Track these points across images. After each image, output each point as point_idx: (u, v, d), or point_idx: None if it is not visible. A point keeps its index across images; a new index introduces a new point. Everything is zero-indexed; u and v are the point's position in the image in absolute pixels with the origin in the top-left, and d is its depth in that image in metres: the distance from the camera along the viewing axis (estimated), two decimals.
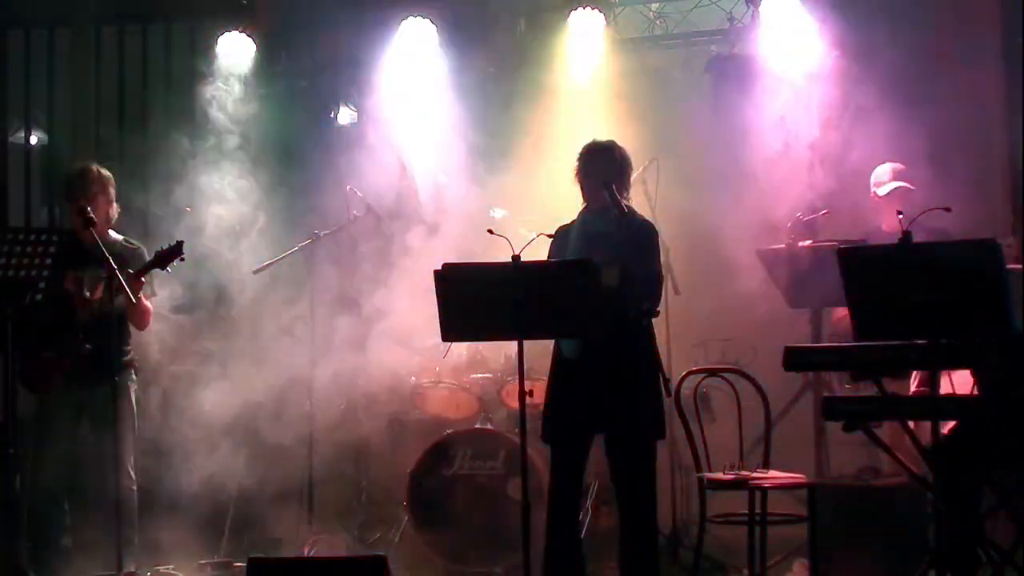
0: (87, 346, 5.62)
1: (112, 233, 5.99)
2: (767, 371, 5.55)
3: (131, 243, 6.01)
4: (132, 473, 5.90)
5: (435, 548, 6.17)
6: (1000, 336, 4.04)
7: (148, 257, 5.88)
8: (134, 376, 5.99)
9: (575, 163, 5.28)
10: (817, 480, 5.90)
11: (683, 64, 7.61)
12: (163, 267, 5.72)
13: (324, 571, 4.75)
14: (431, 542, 6.17)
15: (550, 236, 5.37)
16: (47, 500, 5.82)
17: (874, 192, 6.33)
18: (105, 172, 6.04)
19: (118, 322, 5.72)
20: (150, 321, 5.99)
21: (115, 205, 6.05)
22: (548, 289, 4.62)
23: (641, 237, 5.07)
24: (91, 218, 5.64)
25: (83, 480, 6.01)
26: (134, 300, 5.54)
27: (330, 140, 7.34)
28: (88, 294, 5.70)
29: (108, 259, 5.41)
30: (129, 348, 5.97)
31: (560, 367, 5.21)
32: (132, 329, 5.96)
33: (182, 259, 5.74)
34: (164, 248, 5.72)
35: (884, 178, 6.32)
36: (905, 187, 6.21)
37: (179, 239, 5.77)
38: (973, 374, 4.66)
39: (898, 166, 6.33)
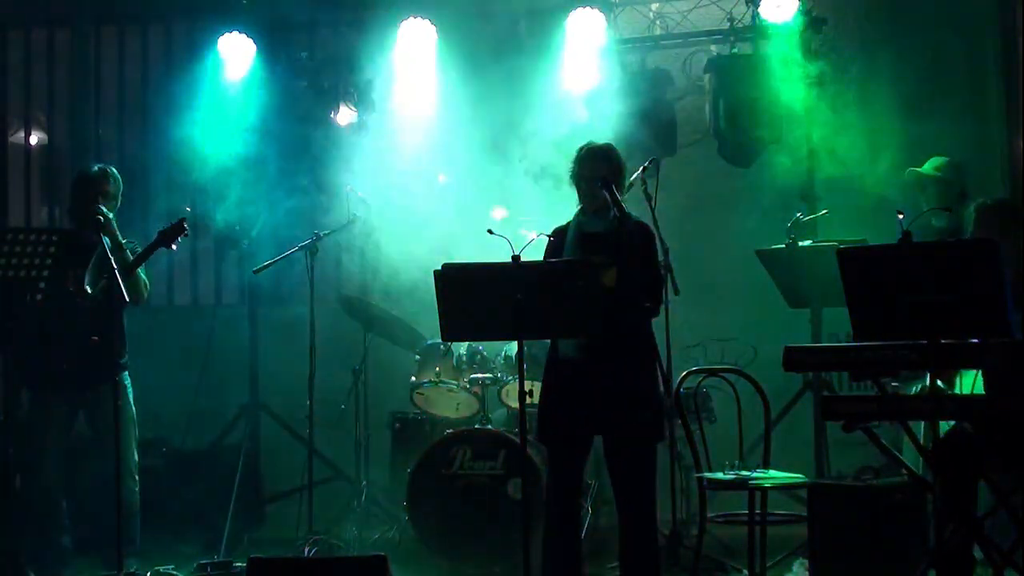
0: (94, 337, 5.60)
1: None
2: (767, 371, 5.55)
3: (133, 242, 6.01)
4: (135, 473, 5.90)
5: (435, 548, 6.16)
6: (1000, 336, 4.04)
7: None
8: (128, 377, 5.99)
9: (572, 163, 5.28)
10: (817, 480, 5.90)
11: (683, 64, 7.61)
12: (168, 246, 5.72)
13: (324, 571, 4.74)
14: (431, 542, 6.16)
15: (549, 236, 5.38)
16: (46, 499, 5.82)
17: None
18: (117, 173, 6.05)
19: (116, 322, 5.73)
20: (146, 291, 5.99)
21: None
22: (548, 289, 4.61)
23: (638, 238, 5.07)
24: (106, 220, 5.65)
25: (82, 479, 6.01)
26: (127, 300, 5.53)
27: (330, 140, 7.34)
28: (89, 289, 5.70)
29: (111, 259, 5.41)
30: (125, 350, 5.97)
31: (557, 367, 5.21)
32: (125, 331, 5.96)
33: (186, 235, 5.75)
34: (167, 227, 5.72)
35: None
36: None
37: (181, 218, 5.79)
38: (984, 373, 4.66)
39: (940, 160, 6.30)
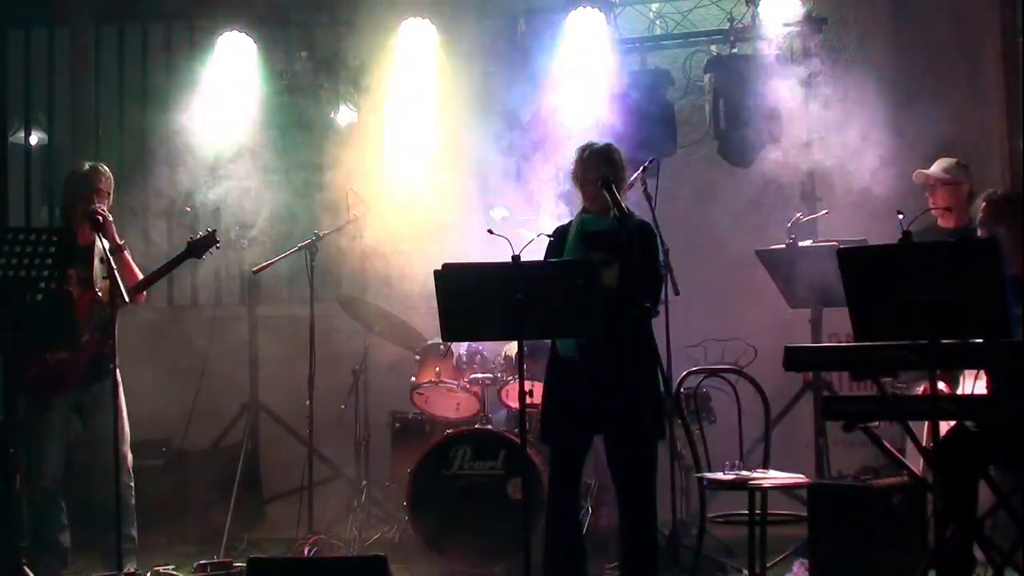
0: (111, 342, 5.60)
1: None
2: (767, 371, 5.55)
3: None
4: (130, 470, 5.89)
5: (435, 548, 6.16)
6: (1000, 336, 4.04)
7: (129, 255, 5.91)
8: (119, 374, 5.97)
9: (573, 164, 5.28)
10: (817, 480, 5.90)
11: (683, 64, 7.62)
12: (199, 256, 5.72)
13: (324, 571, 4.74)
14: (431, 542, 6.16)
15: (549, 236, 5.38)
16: (45, 499, 5.81)
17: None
18: (108, 171, 6.02)
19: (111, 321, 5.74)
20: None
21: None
22: (548, 289, 4.61)
23: (639, 237, 5.07)
24: (106, 219, 5.63)
25: (80, 479, 6.00)
26: (128, 300, 5.52)
27: (330, 140, 7.34)
28: (100, 294, 5.70)
29: (109, 259, 5.40)
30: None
31: (558, 366, 5.21)
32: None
33: (218, 246, 5.74)
34: (196, 237, 5.71)
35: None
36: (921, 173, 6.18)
37: (211, 228, 5.79)
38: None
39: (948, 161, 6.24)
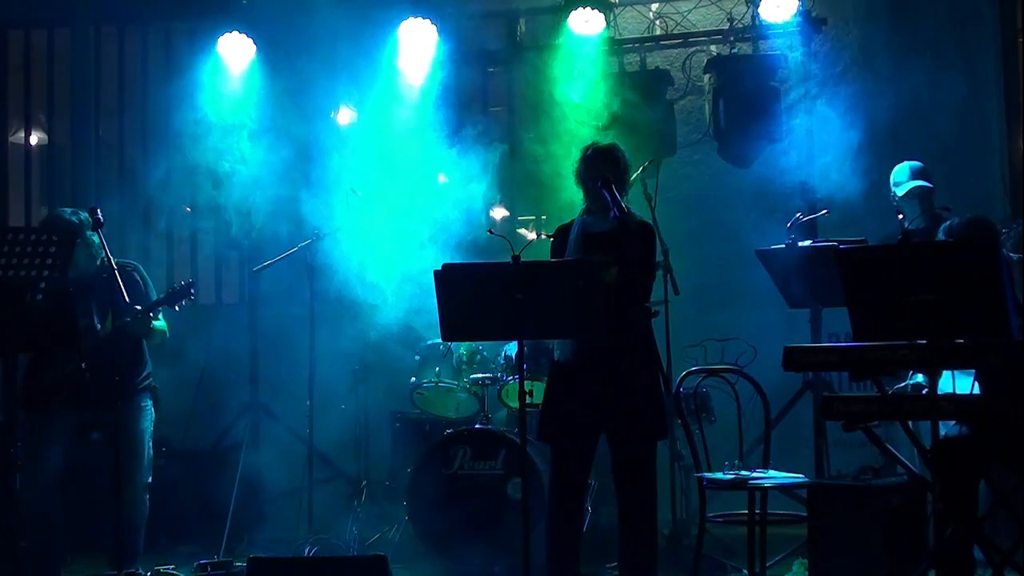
0: (87, 374, 5.55)
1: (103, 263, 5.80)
2: (767, 371, 5.55)
3: (127, 264, 5.91)
4: (146, 497, 5.81)
5: (435, 548, 6.16)
6: (1000, 336, 4.04)
7: (144, 273, 5.89)
8: (150, 399, 5.91)
9: (576, 164, 5.29)
10: (817, 480, 5.90)
11: (683, 64, 7.62)
12: (172, 305, 5.72)
13: (324, 571, 4.75)
14: (431, 542, 6.16)
15: (549, 236, 5.38)
16: (44, 500, 5.79)
17: (893, 193, 6.24)
18: (76, 219, 5.73)
19: (132, 348, 5.71)
20: (164, 340, 5.95)
21: (96, 240, 5.72)
22: (548, 289, 4.62)
23: (640, 237, 5.07)
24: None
25: (82, 494, 5.96)
26: (128, 301, 5.51)
27: (330, 140, 7.34)
28: (99, 325, 5.68)
29: (116, 278, 5.38)
30: (146, 373, 5.91)
31: (560, 365, 5.22)
32: (148, 354, 5.92)
33: (191, 299, 5.74)
34: (175, 287, 5.72)
35: (903, 178, 6.22)
36: (924, 186, 6.15)
37: (190, 279, 5.82)
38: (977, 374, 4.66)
39: (916, 164, 6.24)
